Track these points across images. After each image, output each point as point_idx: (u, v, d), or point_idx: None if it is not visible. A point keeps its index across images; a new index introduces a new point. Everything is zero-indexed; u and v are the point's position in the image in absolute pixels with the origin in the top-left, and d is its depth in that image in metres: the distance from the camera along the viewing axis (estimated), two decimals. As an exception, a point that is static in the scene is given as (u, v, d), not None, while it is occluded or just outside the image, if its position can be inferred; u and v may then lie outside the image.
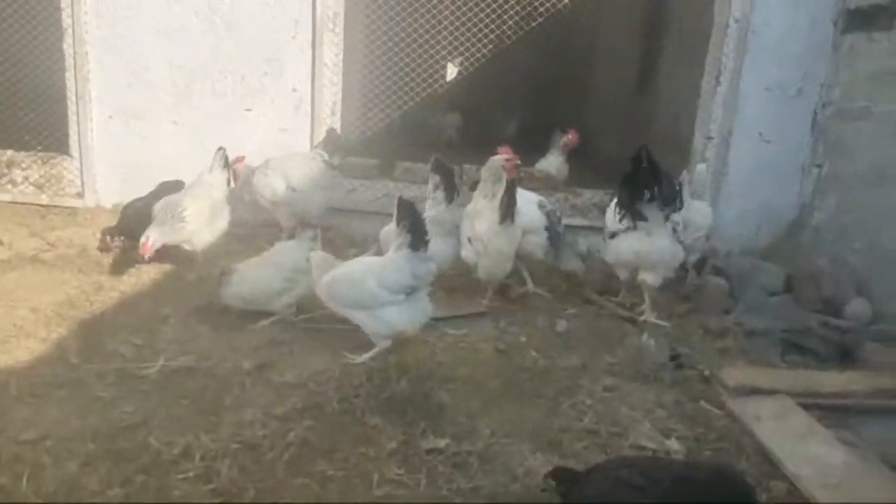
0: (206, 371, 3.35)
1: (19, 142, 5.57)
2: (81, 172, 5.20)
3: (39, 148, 5.45)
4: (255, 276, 3.80)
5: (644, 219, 3.86)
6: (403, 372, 3.32)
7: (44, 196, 5.20)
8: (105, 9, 5.10)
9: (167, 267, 4.42)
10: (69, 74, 5.14)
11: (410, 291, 3.29)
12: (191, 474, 2.59)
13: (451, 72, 8.04)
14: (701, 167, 4.75)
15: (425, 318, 3.44)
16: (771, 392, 3.33)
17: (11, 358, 3.40)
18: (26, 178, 5.24)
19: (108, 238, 4.52)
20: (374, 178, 5.48)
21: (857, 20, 4.81)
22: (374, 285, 3.30)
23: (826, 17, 4.95)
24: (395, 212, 3.34)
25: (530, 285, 4.36)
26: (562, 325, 3.92)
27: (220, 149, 4.63)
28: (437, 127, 7.52)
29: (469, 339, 3.70)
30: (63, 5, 5.09)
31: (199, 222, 4.37)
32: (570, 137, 5.84)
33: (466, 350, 3.60)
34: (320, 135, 5.25)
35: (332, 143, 4.95)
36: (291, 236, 4.47)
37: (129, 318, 3.80)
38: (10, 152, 5.35)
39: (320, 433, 2.88)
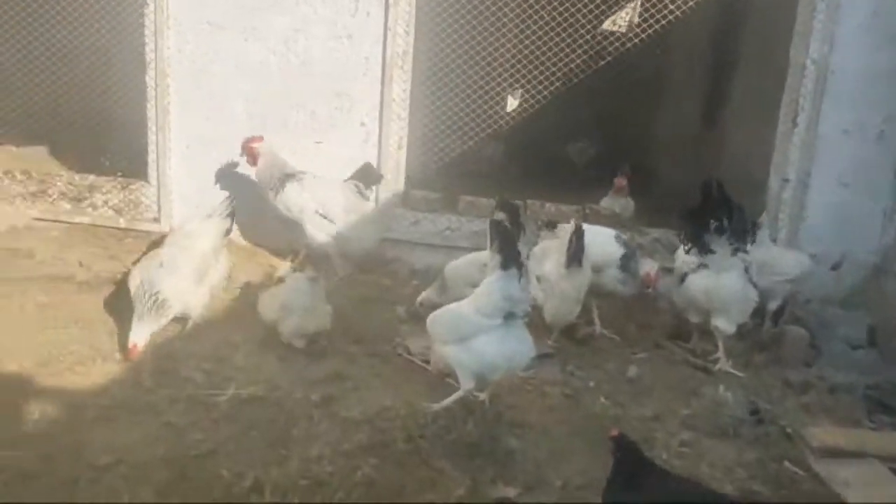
0: (274, 401, 3.38)
1: (101, 167, 5.84)
2: (158, 198, 5.37)
3: (119, 174, 5.68)
4: (264, 299, 3.94)
5: (711, 251, 3.74)
6: (469, 413, 3.27)
7: (122, 220, 5.38)
8: (187, 44, 5.32)
9: (238, 292, 4.51)
10: (150, 105, 5.35)
11: (507, 316, 3.14)
12: (263, 508, 2.60)
13: (512, 104, 8.10)
14: None
15: (524, 358, 3.24)
16: (858, 455, 3.14)
17: (88, 379, 3.51)
18: (106, 202, 5.46)
19: None
20: (438, 211, 5.50)
21: (942, 65, 4.62)
22: (470, 310, 3.21)
23: (909, 60, 4.77)
24: (488, 234, 3.28)
25: (598, 327, 4.27)
26: (633, 370, 3.80)
27: (228, 197, 4.33)
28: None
29: (535, 382, 3.63)
30: (147, 39, 5.33)
31: (184, 296, 3.88)
32: (619, 181, 5.76)
33: (533, 393, 3.54)
34: (387, 168, 5.34)
35: (366, 176, 5.06)
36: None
37: (201, 343, 3.87)
38: (91, 177, 5.59)
39: (387, 474, 2.86)
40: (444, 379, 3.61)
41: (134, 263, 4.37)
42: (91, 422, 3.16)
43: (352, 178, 5.08)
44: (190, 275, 3.94)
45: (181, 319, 4.03)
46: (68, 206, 5.42)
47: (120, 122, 6.06)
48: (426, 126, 5.97)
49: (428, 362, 3.80)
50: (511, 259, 3.13)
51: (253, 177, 5.06)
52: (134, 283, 3.82)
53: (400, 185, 5.47)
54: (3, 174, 5.72)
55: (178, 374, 3.57)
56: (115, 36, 6.00)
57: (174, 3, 5.26)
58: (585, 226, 3.87)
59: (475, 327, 3.18)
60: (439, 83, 6.03)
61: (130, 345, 3.66)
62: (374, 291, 4.90)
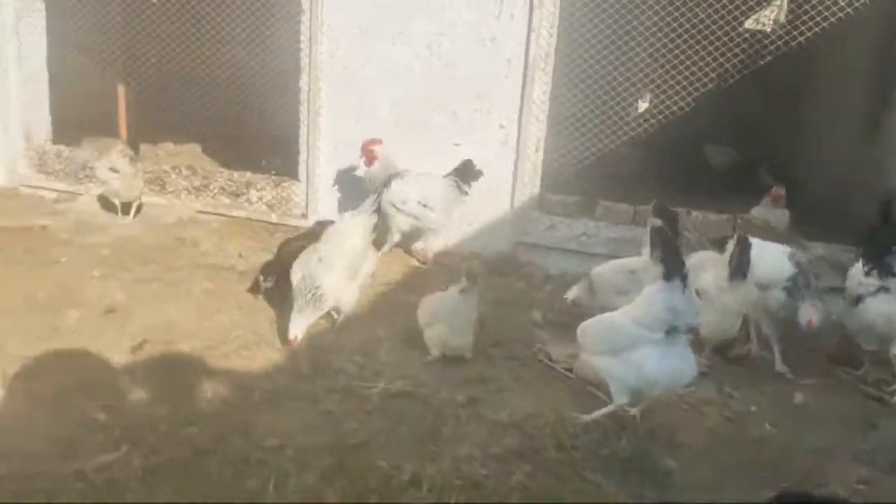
0: (421, 398, 3.46)
1: (256, 165, 6.25)
2: (307, 196, 5.68)
3: (273, 172, 6.06)
4: (423, 304, 4.03)
5: (894, 274, 3.48)
6: (621, 428, 3.17)
7: (273, 215, 5.74)
8: (339, 50, 5.56)
9: (381, 289, 4.67)
10: (303, 108, 5.64)
11: (669, 330, 3.01)
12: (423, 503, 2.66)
13: (642, 107, 7.85)
14: None
15: (686, 376, 3.08)
16: None
17: (254, 363, 3.74)
18: (260, 198, 5.84)
19: (259, 279, 4.40)
20: (574, 216, 5.41)
21: None
22: (627, 321, 3.11)
23: None
24: (647, 240, 3.16)
25: (754, 346, 4.00)
26: (798, 397, 3.54)
27: (375, 194, 4.50)
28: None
29: (690, 401, 3.47)
30: (302, 46, 5.62)
31: (338, 291, 4.05)
32: (777, 190, 5.40)
33: (689, 412, 3.38)
34: (524, 170, 5.33)
35: (465, 172, 5.14)
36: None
37: (350, 337, 4.03)
38: (248, 174, 6.00)
39: (540, 482, 2.83)
40: (587, 388, 3.53)
41: (265, 264, 4.58)
42: (257, 404, 3.37)
43: (451, 174, 5.18)
44: (343, 271, 4.11)
45: (329, 313, 4.20)
46: (227, 201, 5.87)
47: (275, 124, 6.45)
48: (564, 128, 5.88)
49: (570, 370, 3.73)
50: (675, 269, 2.99)
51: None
52: (296, 278, 4.00)
53: (536, 188, 5.45)
54: (171, 169, 6.27)
55: (331, 365, 3.73)
56: (273, 44, 6.40)
57: (328, 10, 5.52)
58: (755, 240, 3.64)
59: (632, 339, 3.07)
60: (580, 85, 5.92)
61: (290, 337, 3.88)
62: (508, 295, 4.89)
